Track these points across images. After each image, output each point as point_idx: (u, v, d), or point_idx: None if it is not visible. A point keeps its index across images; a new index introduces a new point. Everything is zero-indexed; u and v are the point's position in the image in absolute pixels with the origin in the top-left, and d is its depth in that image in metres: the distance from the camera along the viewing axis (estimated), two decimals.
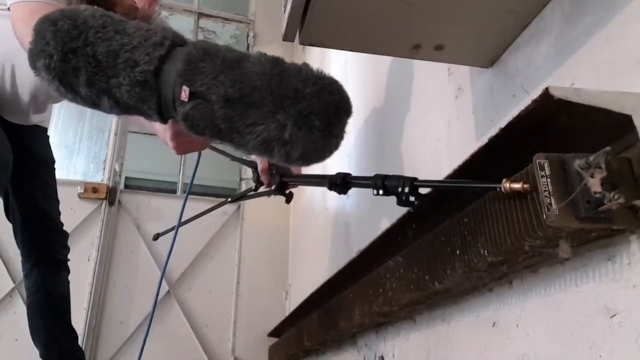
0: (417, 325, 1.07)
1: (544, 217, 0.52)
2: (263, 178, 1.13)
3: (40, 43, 0.62)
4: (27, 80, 1.33)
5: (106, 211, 2.49)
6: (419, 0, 0.79)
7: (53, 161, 1.62)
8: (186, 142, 0.83)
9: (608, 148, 0.52)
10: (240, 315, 2.52)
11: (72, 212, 2.38)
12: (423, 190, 0.74)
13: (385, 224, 1.01)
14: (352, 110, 0.60)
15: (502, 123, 0.64)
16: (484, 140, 0.67)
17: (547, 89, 0.54)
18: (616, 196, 0.50)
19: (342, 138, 0.59)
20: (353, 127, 1.84)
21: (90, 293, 2.34)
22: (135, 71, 0.59)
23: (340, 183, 0.80)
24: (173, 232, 1.28)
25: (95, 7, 0.66)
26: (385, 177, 0.70)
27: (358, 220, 1.67)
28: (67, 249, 1.63)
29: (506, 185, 0.56)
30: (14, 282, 2.29)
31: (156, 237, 1.48)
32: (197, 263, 2.54)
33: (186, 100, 0.58)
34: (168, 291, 2.46)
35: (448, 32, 0.88)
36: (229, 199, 1.27)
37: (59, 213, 1.62)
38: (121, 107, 0.63)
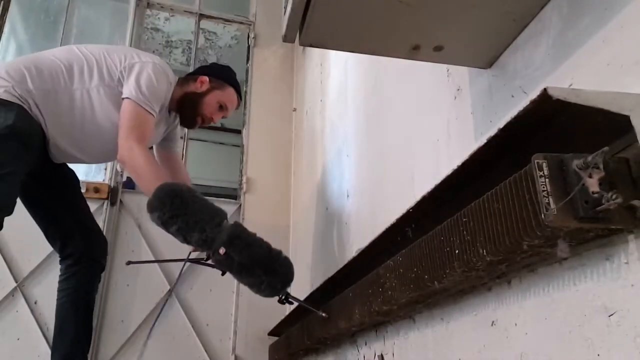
0: (416, 325, 1.08)
1: (543, 216, 0.52)
2: None
3: (160, 204, 1.26)
4: (107, 148, 1.65)
5: (108, 211, 2.50)
6: (418, 1, 0.79)
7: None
8: None
9: (606, 148, 0.52)
10: (240, 314, 2.53)
11: None
12: (422, 192, 0.83)
13: (385, 223, 1.02)
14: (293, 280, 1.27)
15: (501, 123, 0.64)
16: (482, 141, 0.67)
17: (545, 89, 0.54)
18: (614, 196, 0.51)
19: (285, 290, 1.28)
20: (353, 127, 1.84)
21: None
22: (203, 234, 1.23)
23: None
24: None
25: (194, 190, 1.31)
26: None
27: (358, 220, 1.68)
28: (106, 258, 1.79)
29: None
30: (16, 281, 2.30)
31: (128, 262, 1.74)
32: None
33: (222, 254, 1.22)
34: (169, 290, 2.47)
35: (447, 33, 0.88)
36: (189, 259, 1.61)
37: None
38: (186, 242, 1.27)
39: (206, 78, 1.76)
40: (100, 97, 1.56)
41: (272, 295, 1.26)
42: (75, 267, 1.69)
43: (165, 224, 1.24)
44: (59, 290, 1.70)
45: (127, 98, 1.52)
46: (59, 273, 1.74)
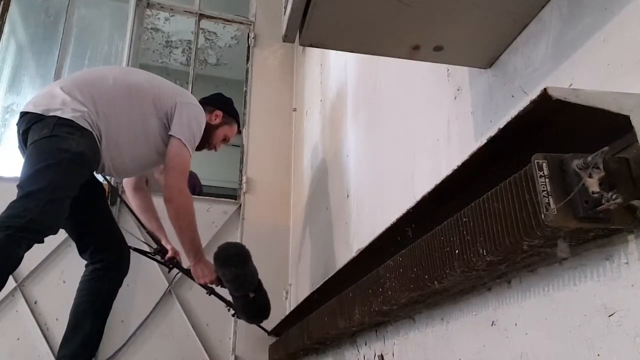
0: (416, 324, 1.08)
1: (543, 216, 0.52)
2: (168, 258, 2.04)
3: (224, 262, 1.72)
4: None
5: None
6: (418, 1, 0.79)
7: None
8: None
9: (606, 148, 0.52)
10: None
11: None
12: (422, 192, 0.84)
13: (385, 223, 1.02)
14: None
15: (501, 123, 0.64)
16: (482, 141, 0.67)
17: (545, 89, 0.54)
18: (614, 196, 0.51)
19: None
20: (353, 127, 1.84)
21: None
22: (244, 288, 1.76)
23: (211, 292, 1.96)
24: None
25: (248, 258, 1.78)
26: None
27: (358, 220, 1.68)
28: (128, 266, 1.88)
29: None
30: (16, 281, 2.30)
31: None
32: None
33: (251, 296, 1.78)
34: (169, 290, 2.47)
35: (447, 33, 0.88)
36: (161, 262, 2.10)
37: None
38: (234, 288, 1.76)
39: (220, 113, 2.03)
40: (151, 124, 1.73)
41: (256, 323, 1.99)
42: (102, 271, 1.77)
43: (221, 273, 1.71)
44: (80, 290, 1.77)
45: (178, 138, 1.71)
46: (83, 273, 1.79)
